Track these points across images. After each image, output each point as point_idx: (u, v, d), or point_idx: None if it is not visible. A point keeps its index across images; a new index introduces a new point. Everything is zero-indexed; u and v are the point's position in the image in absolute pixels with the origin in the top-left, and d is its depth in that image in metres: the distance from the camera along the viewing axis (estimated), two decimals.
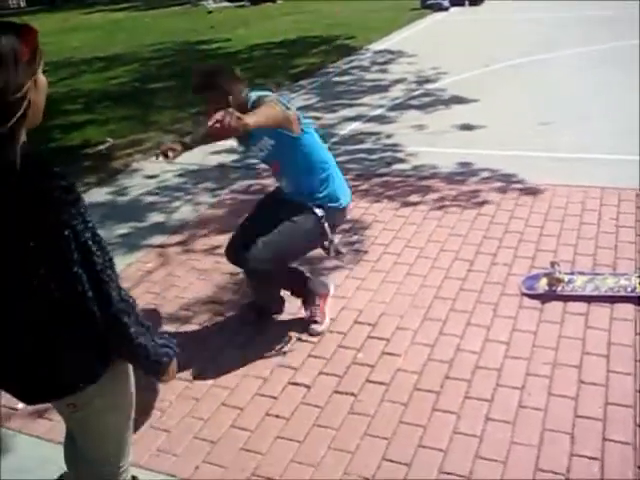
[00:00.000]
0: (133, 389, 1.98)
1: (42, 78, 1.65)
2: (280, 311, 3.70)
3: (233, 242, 3.52)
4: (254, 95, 3.23)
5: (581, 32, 11.48)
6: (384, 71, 9.91)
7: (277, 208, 3.40)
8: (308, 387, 3.12)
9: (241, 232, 3.52)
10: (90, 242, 1.66)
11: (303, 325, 3.57)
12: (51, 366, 1.76)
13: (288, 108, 3.17)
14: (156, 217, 5.29)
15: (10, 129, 1.54)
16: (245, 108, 3.09)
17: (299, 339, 3.48)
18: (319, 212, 3.31)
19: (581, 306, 3.53)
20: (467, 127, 6.74)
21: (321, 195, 3.35)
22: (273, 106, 3.06)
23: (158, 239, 4.86)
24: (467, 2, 16.66)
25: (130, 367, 1.92)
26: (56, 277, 1.66)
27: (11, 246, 1.62)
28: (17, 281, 1.67)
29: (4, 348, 1.77)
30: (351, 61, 10.90)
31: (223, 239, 4.69)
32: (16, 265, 1.65)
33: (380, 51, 11.54)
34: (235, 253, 3.43)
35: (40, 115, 1.67)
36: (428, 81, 8.95)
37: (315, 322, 3.55)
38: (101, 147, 7.10)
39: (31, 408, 3.01)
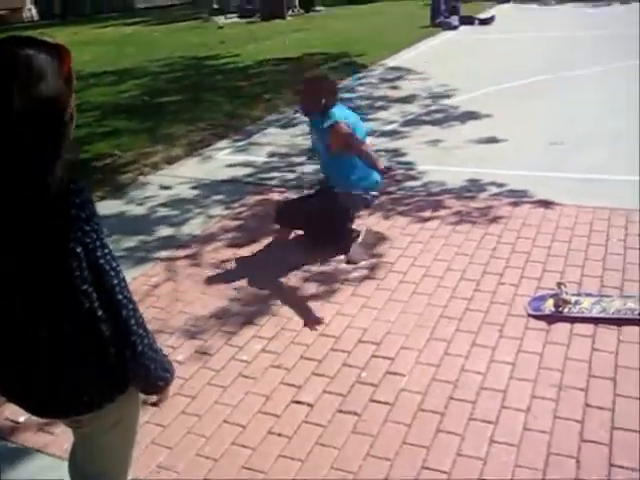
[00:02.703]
0: (140, 406, 1.97)
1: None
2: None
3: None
4: (333, 115, 4.48)
5: (593, 51, 11.50)
6: (394, 88, 9.93)
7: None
8: (311, 406, 3.10)
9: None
10: (102, 261, 1.65)
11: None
12: (59, 385, 1.75)
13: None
14: (164, 230, 5.29)
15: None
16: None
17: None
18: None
19: (588, 328, 3.51)
20: (478, 144, 6.75)
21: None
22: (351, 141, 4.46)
23: (165, 252, 4.86)
24: (477, 21, 16.73)
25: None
26: (66, 294, 1.65)
27: (24, 261, 1.62)
28: (28, 297, 1.67)
29: (17, 362, 1.76)
30: (361, 78, 10.92)
31: (231, 253, 4.72)
32: (27, 280, 1.65)
33: (390, 68, 11.58)
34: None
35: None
36: (439, 98, 8.96)
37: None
38: (110, 160, 7.12)
39: (33, 421, 3.00)
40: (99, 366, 1.76)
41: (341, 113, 4.59)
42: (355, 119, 4.70)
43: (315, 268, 4.41)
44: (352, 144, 4.46)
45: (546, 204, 5.07)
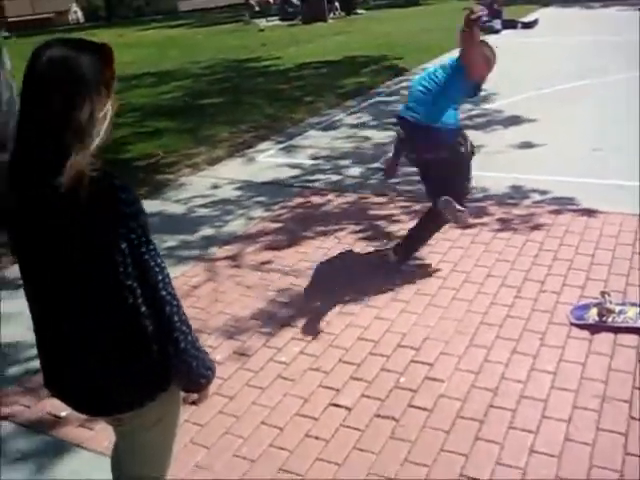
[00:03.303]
0: (180, 404, 1.98)
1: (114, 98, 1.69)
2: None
3: None
4: None
5: (636, 56, 11.28)
6: None
7: None
8: (349, 409, 3.09)
9: None
10: (147, 257, 1.67)
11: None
12: (102, 382, 1.77)
13: None
14: (205, 231, 5.33)
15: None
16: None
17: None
18: None
19: (632, 338, 3.44)
20: (520, 149, 6.68)
21: None
22: None
23: (206, 253, 4.90)
24: (519, 25, 16.55)
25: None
26: (110, 289, 1.67)
27: (71, 257, 1.65)
28: (73, 291, 1.69)
29: (60, 357, 1.79)
30: (401, 81, 10.88)
31: (271, 255, 4.74)
32: (73, 275, 1.67)
33: None
34: None
35: (111, 134, 1.70)
36: (481, 102, 8.88)
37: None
38: (152, 160, 7.21)
39: (74, 416, 3.04)
40: (142, 363, 1.77)
41: None
42: None
43: (354, 271, 4.41)
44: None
45: (589, 212, 4.99)
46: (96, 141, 1.61)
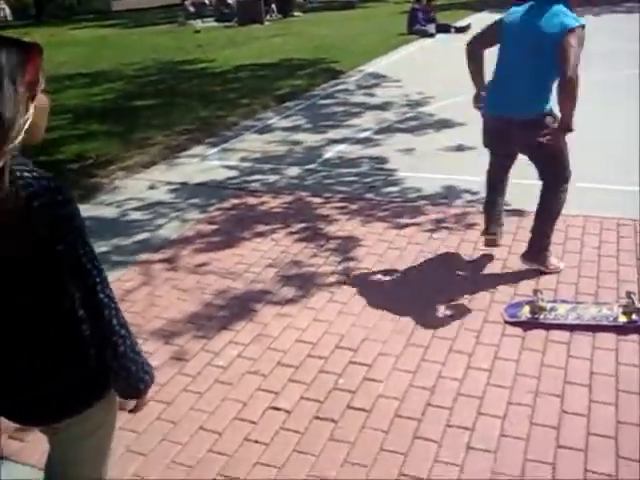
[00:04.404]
0: (117, 412, 1.93)
1: (44, 97, 1.62)
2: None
3: None
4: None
5: None
6: (371, 95, 9.96)
7: None
8: (288, 412, 3.08)
9: None
10: (84, 259, 1.62)
11: None
12: (37, 390, 1.71)
13: None
14: (139, 234, 5.24)
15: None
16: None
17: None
18: None
19: (563, 335, 3.53)
20: (452, 151, 6.78)
21: None
22: None
23: (140, 257, 4.82)
24: (453, 29, 16.83)
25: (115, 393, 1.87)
26: (45, 292, 1.62)
27: (7, 261, 1.59)
28: (8, 294, 1.63)
29: None
30: (337, 84, 10.94)
31: (208, 257, 4.69)
32: (9, 280, 1.61)
33: (367, 75, 11.61)
34: None
35: (41, 135, 1.64)
36: (415, 105, 9.01)
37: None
38: (85, 163, 7.05)
39: (3, 427, 2.93)
40: (79, 369, 1.72)
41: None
42: None
43: (292, 273, 4.40)
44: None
45: (520, 212, 5.10)
46: (13, 143, 1.53)
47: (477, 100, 4.34)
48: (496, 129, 4.13)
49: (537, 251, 4.19)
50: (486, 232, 4.47)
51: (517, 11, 4.05)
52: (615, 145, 6.57)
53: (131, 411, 1.88)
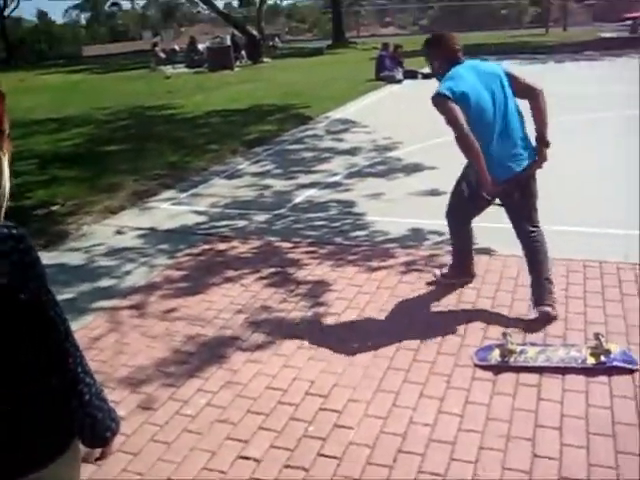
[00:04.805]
0: (80, 464, 1.88)
1: (8, 145, 1.62)
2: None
3: None
4: (443, 88, 3.99)
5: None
6: (339, 140, 10.08)
7: None
8: (258, 461, 3.02)
9: None
10: (47, 306, 1.60)
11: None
12: (1, 445, 1.66)
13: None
14: (107, 281, 5.18)
15: None
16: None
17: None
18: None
19: (533, 377, 3.54)
20: (421, 196, 6.84)
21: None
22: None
23: (108, 303, 4.75)
24: (420, 75, 17.16)
25: (79, 445, 1.82)
26: (8, 341, 1.58)
27: None
28: None
29: None
30: (306, 129, 11.06)
31: (176, 303, 4.65)
32: None
33: (335, 120, 11.76)
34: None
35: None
36: (383, 150, 9.11)
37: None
38: (52, 209, 6.99)
39: None
40: (43, 420, 1.68)
41: (456, 81, 4.02)
42: (480, 88, 4.03)
43: (261, 318, 4.37)
44: (449, 123, 3.97)
45: (490, 254, 5.15)
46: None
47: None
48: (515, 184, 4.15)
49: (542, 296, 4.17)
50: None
51: (463, 76, 4.07)
52: (569, 187, 6.69)
53: (96, 460, 1.84)
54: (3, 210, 1.56)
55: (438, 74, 4.23)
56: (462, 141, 3.96)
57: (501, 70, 4.24)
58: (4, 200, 1.56)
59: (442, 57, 4.22)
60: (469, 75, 4.08)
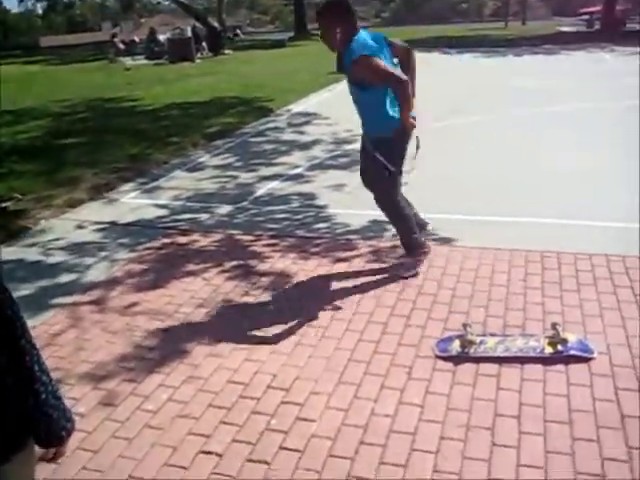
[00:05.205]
0: (35, 464, 1.86)
1: None
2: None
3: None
4: (352, 51, 4.23)
5: (489, 98, 12.01)
6: (301, 132, 10.07)
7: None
8: (220, 456, 3.01)
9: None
10: (4, 305, 1.60)
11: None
12: None
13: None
14: (66, 276, 5.11)
15: None
16: (342, 48, 4.33)
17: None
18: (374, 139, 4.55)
19: (493, 367, 3.58)
20: None
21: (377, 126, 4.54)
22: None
23: (67, 299, 4.69)
24: None
25: (33, 445, 1.80)
26: None
27: None
28: None
29: None
30: (268, 122, 11.02)
31: (137, 298, 4.61)
32: None
33: (297, 113, 11.74)
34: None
35: None
36: (344, 143, 9.13)
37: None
38: (8, 203, 6.86)
39: None
40: None
41: (362, 43, 4.32)
42: (379, 44, 4.44)
43: (223, 312, 4.36)
44: (380, 75, 4.29)
45: (450, 245, 5.20)
46: None
47: None
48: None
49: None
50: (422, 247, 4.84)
51: (368, 41, 4.38)
52: (534, 179, 6.79)
53: (51, 459, 1.82)
54: None
55: (336, 45, 4.42)
56: (403, 83, 4.26)
57: (384, 38, 4.56)
58: None
59: (347, 23, 4.34)
60: (371, 41, 4.35)
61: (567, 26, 31.99)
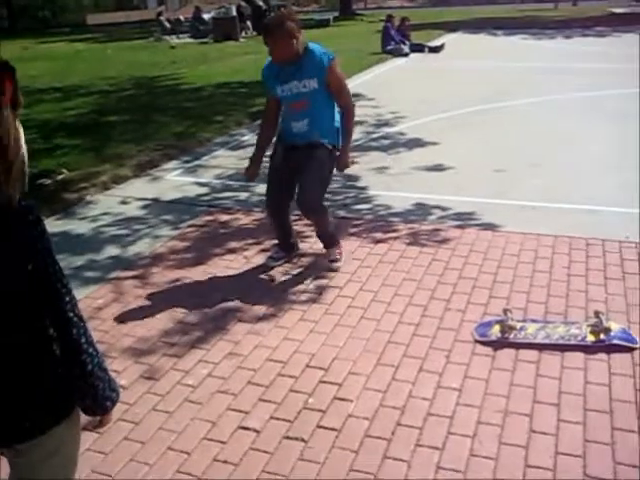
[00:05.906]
0: (80, 431, 1.91)
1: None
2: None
3: (274, 198, 4.59)
4: (318, 52, 4.23)
5: (536, 82, 11.81)
6: None
7: (295, 156, 4.37)
8: (258, 432, 3.05)
9: (277, 188, 4.52)
10: (54, 278, 1.64)
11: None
12: (3, 410, 1.68)
13: None
14: (111, 250, 5.20)
15: None
16: (298, 56, 4.18)
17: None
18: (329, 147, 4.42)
19: (532, 354, 3.55)
20: (424, 171, 6.82)
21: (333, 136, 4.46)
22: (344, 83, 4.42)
23: (112, 273, 4.77)
24: (427, 49, 17.03)
25: (79, 411, 1.85)
26: (15, 311, 1.60)
27: None
28: None
29: None
30: None
31: (179, 274, 4.67)
32: None
33: None
34: (279, 205, 4.59)
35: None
36: (388, 124, 9.07)
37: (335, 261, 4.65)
38: (56, 178, 6.98)
39: None
40: (45, 388, 1.70)
41: (320, 49, 4.32)
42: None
43: (263, 290, 4.39)
44: (344, 85, 4.41)
45: (493, 230, 5.16)
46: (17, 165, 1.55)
47: None
48: None
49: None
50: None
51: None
52: (582, 166, 6.68)
53: (95, 428, 1.87)
54: (27, 177, 1.58)
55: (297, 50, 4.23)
56: (354, 108, 4.52)
57: None
58: (25, 166, 1.58)
59: (299, 29, 4.29)
60: None
61: (620, 7, 31.13)
